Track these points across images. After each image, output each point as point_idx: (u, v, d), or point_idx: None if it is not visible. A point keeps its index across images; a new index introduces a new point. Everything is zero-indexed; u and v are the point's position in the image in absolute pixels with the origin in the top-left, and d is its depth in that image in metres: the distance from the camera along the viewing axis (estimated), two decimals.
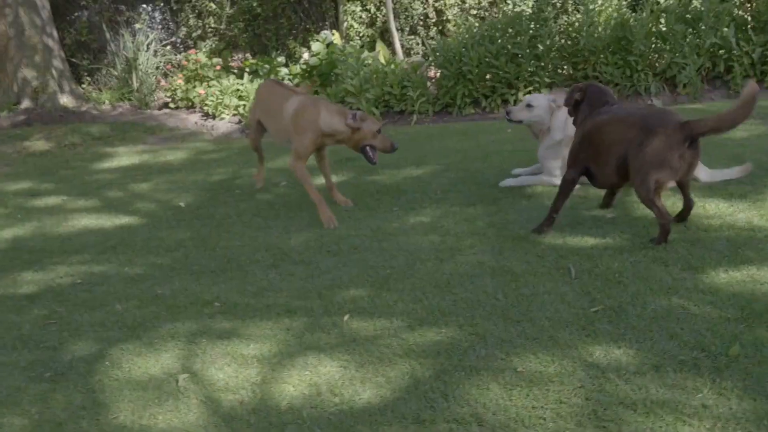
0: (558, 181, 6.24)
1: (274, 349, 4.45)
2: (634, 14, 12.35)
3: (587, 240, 5.59)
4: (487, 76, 12.08)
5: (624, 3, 12.76)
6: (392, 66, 12.83)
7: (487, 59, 11.88)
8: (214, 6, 16.65)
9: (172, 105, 14.39)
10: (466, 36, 12.38)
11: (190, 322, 4.96)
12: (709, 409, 3.42)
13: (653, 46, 11.86)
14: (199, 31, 16.88)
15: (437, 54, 12.48)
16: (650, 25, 11.85)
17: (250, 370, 4.26)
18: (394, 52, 14.67)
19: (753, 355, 3.79)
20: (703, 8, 11.67)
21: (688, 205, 5.62)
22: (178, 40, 17.14)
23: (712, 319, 4.21)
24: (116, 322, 5.11)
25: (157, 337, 4.82)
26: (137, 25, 16.03)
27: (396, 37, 14.80)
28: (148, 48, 14.98)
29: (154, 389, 4.20)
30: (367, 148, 6.68)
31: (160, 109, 14.54)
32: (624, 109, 5.64)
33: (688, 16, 11.90)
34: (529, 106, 6.85)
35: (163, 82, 15.09)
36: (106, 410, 4.04)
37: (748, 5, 11.99)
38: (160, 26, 17.26)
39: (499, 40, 12.11)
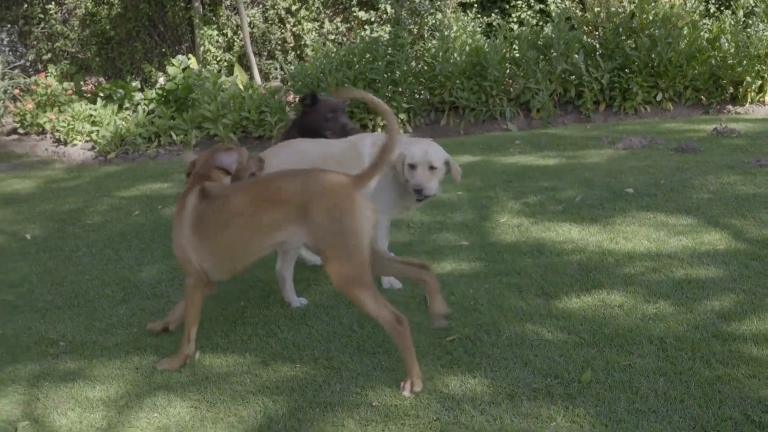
0: None
1: (122, 391, 4.25)
2: (488, 41, 12.63)
3: (443, 267, 5.60)
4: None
5: (478, 30, 13.03)
6: (250, 91, 12.71)
7: (345, 84, 11.90)
8: (64, 28, 16.12)
9: (21, 130, 13.81)
10: (324, 61, 12.39)
11: (33, 364, 4.69)
12: None
13: (507, 71, 12.18)
14: (50, 54, 16.31)
15: (295, 79, 12.42)
16: (504, 51, 12.17)
17: (95, 414, 4.04)
18: (252, 77, 14.54)
19: (604, 380, 3.85)
20: (553, 35, 12.05)
21: None
22: (28, 63, 16.52)
23: (564, 344, 4.26)
24: None
25: None
26: None
27: (254, 61, 14.67)
28: None
29: None
30: None
31: (8, 134, 13.92)
32: None
33: (539, 42, 12.32)
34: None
35: (11, 107, 14.49)
36: None
37: (596, 33, 12.43)
38: (7, 48, 16.60)
39: (357, 66, 12.18)
